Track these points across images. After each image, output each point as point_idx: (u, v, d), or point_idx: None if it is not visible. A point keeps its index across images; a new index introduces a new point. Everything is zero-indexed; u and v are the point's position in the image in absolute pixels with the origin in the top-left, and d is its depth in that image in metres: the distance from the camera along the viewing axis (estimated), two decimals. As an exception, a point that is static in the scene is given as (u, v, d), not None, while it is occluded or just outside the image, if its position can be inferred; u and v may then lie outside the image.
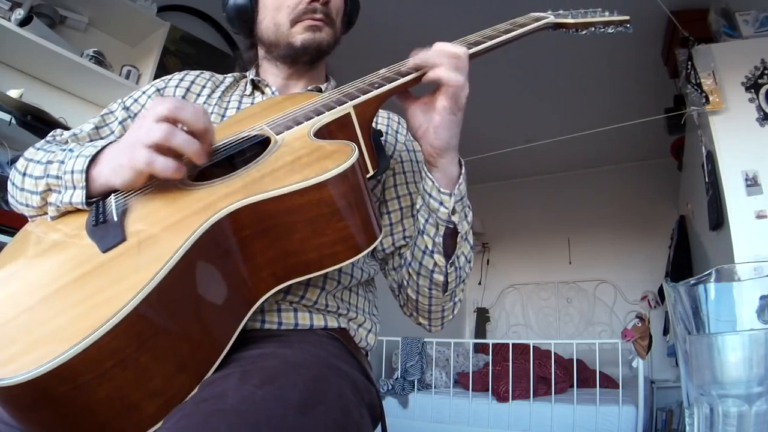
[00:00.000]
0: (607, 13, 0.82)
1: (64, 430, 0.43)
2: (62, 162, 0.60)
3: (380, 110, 0.67)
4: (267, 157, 0.56)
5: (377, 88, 0.62)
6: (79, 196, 0.57)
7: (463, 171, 0.66)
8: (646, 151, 4.15)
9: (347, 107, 0.61)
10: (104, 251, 0.48)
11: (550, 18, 0.79)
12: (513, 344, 3.20)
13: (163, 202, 0.54)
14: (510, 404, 2.82)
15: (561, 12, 0.81)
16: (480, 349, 4.11)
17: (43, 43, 1.78)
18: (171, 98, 0.54)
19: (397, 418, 3.05)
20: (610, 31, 0.82)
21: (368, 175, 0.60)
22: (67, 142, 0.73)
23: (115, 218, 0.52)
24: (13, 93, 1.73)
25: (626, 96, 3.38)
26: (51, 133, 0.74)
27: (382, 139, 0.67)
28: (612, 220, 4.39)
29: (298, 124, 0.61)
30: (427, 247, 0.68)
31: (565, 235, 4.57)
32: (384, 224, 0.78)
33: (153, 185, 0.57)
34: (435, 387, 3.27)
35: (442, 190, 0.64)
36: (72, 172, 0.58)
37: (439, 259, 0.68)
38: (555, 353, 3.01)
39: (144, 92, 0.81)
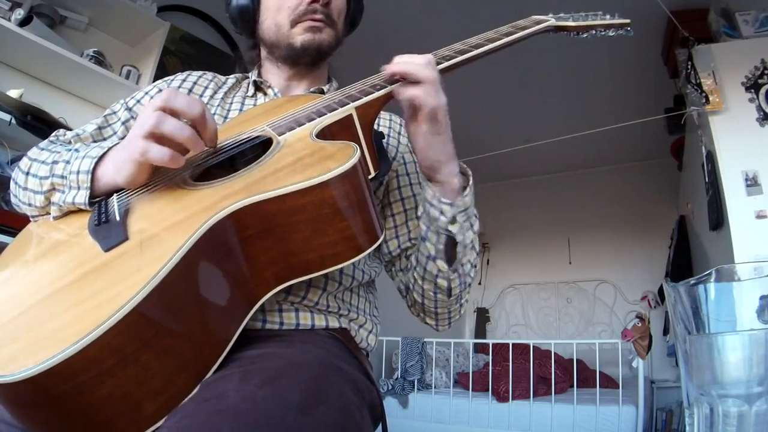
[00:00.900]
0: (608, 17, 0.82)
1: (65, 429, 0.43)
2: (68, 162, 0.60)
3: (382, 112, 0.67)
4: (269, 157, 0.56)
5: (379, 90, 0.63)
6: (82, 197, 0.57)
7: (470, 182, 0.67)
8: (646, 151, 4.16)
9: (349, 109, 0.61)
10: (106, 250, 0.48)
11: (551, 21, 0.79)
12: (513, 344, 3.20)
13: (165, 201, 0.54)
14: (510, 404, 2.82)
15: (562, 15, 0.81)
16: (480, 349, 4.11)
17: (43, 43, 1.78)
18: (166, 90, 0.54)
19: (397, 418, 3.05)
20: (611, 34, 0.83)
21: (370, 177, 0.60)
22: (70, 142, 0.73)
23: (118, 218, 0.52)
24: (13, 93, 1.73)
25: (626, 96, 3.38)
26: (54, 134, 0.75)
27: (384, 141, 0.67)
28: (612, 220, 4.39)
29: (300, 125, 0.61)
30: (429, 253, 0.68)
31: (565, 235, 4.57)
32: (389, 226, 0.78)
33: (155, 184, 0.57)
34: (435, 387, 3.27)
35: (442, 199, 0.64)
36: (78, 172, 0.58)
37: (442, 265, 0.68)
38: (555, 353, 3.01)
39: (146, 93, 0.82)
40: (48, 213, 0.63)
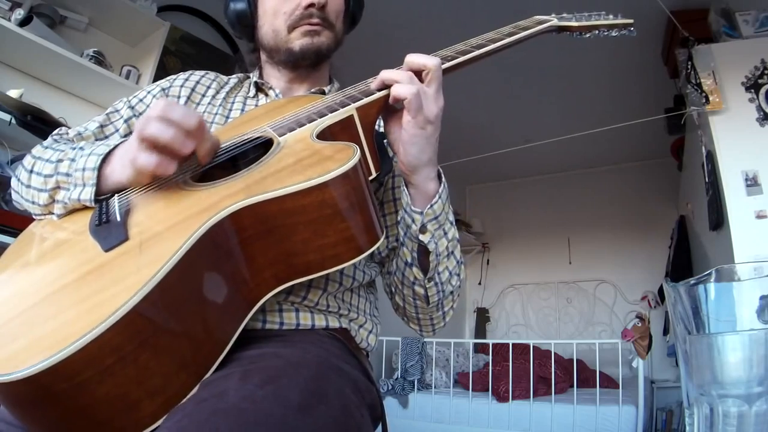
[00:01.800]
0: (611, 17, 0.82)
1: (65, 428, 0.43)
2: (73, 160, 0.60)
3: None
4: (269, 158, 0.56)
5: (380, 90, 0.62)
6: (88, 193, 0.58)
7: (440, 189, 0.64)
8: (646, 151, 4.16)
9: (350, 109, 0.61)
10: (106, 251, 0.48)
11: (554, 21, 0.79)
12: (513, 344, 3.19)
13: (165, 202, 0.54)
14: (510, 404, 2.82)
15: (564, 15, 0.81)
16: (480, 349, 4.11)
17: (43, 43, 1.78)
18: (164, 100, 0.54)
19: (397, 418, 3.05)
20: (614, 34, 0.83)
21: (371, 177, 0.60)
22: (73, 140, 0.73)
23: (118, 218, 0.53)
24: (13, 93, 1.73)
25: (626, 96, 3.38)
26: (56, 131, 0.75)
27: (385, 141, 0.67)
28: (612, 220, 4.39)
29: (301, 126, 0.61)
30: (406, 259, 0.68)
31: (565, 235, 4.57)
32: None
33: (157, 185, 0.57)
34: (435, 387, 3.27)
35: (413, 208, 0.63)
36: (84, 169, 0.58)
37: (418, 272, 0.68)
38: (555, 353, 3.01)
39: (149, 92, 0.82)
40: (50, 212, 0.63)
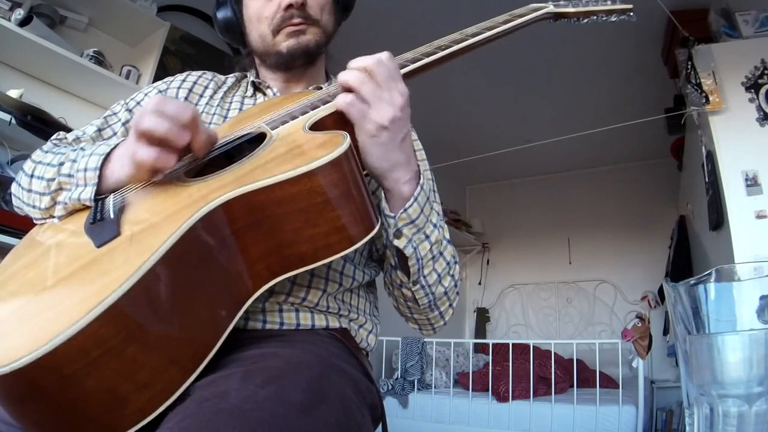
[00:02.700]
0: (608, 2, 0.81)
1: (55, 423, 0.43)
2: (75, 161, 0.61)
3: None
4: (261, 151, 0.56)
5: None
6: (88, 193, 0.58)
7: (416, 191, 0.60)
8: (646, 151, 4.16)
9: None
10: (98, 246, 0.49)
11: (550, 7, 0.78)
12: (513, 344, 3.19)
13: (159, 198, 0.54)
14: (510, 404, 2.82)
15: (561, 2, 0.80)
16: (480, 349, 4.11)
17: (43, 43, 1.78)
18: (157, 96, 0.54)
19: (397, 418, 3.05)
20: (613, 19, 0.81)
21: (365, 172, 0.60)
22: (72, 144, 0.74)
23: (112, 215, 0.53)
24: (13, 93, 1.73)
25: (626, 96, 3.38)
26: (55, 136, 0.75)
27: None
28: (612, 220, 4.39)
29: (294, 119, 0.61)
30: (391, 263, 0.67)
31: (565, 235, 4.57)
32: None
33: (151, 182, 0.57)
34: (435, 387, 3.27)
35: (387, 212, 0.61)
36: (85, 169, 0.59)
37: (402, 276, 0.66)
38: (555, 353, 3.01)
39: (146, 94, 0.82)
40: (51, 216, 0.63)
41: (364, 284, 0.75)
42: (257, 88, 0.84)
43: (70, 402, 0.41)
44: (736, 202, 2.08)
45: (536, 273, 4.64)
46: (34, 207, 0.64)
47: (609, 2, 0.81)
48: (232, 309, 0.51)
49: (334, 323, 0.68)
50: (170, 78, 0.85)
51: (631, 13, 0.81)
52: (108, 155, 0.59)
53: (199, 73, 0.86)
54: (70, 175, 0.60)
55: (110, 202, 0.57)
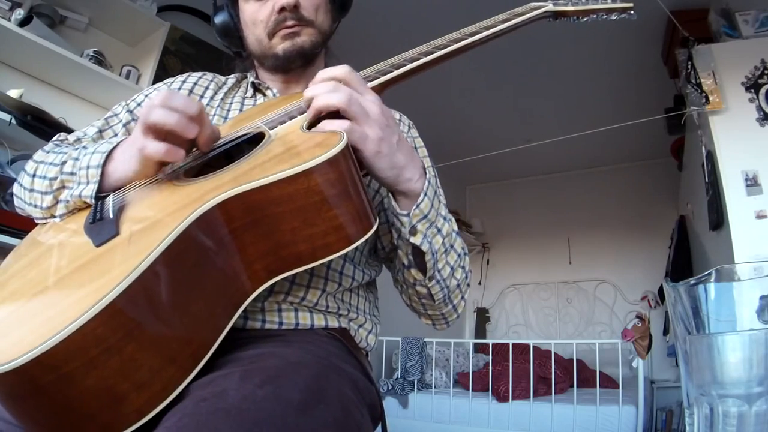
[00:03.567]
0: (609, 0, 0.81)
1: (53, 421, 0.43)
2: (77, 159, 0.61)
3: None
4: (259, 151, 0.56)
5: (371, 81, 0.62)
6: (89, 190, 0.58)
7: (425, 186, 0.61)
8: (646, 151, 4.16)
9: None
10: (97, 246, 0.49)
11: (549, 6, 0.78)
12: (513, 344, 3.19)
13: (158, 197, 0.55)
14: (510, 404, 2.82)
15: (560, 0, 0.80)
16: (480, 349, 4.11)
17: (43, 43, 1.78)
18: (164, 90, 0.55)
19: (397, 418, 3.05)
20: (613, 17, 0.81)
21: (364, 172, 0.59)
22: (73, 145, 0.74)
23: (111, 215, 0.53)
24: (13, 93, 1.73)
25: (626, 96, 3.38)
26: (57, 137, 0.76)
27: None
28: (612, 220, 4.40)
29: (292, 119, 0.61)
30: (403, 262, 0.67)
31: (565, 235, 4.58)
32: (383, 221, 0.77)
33: (150, 182, 0.58)
34: (435, 387, 3.27)
35: (399, 211, 0.61)
36: (88, 167, 0.59)
37: (417, 274, 0.67)
38: (555, 353, 3.01)
39: (147, 95, 0.82)
40: (52, 216, 0.63)
41: (364, 284, 0.75)
42: (257, 89, 0.85)
43: (68, 400, 0.41)
44: (736, 202, 2.08)
45: (536, 273, 4.64)
46: (35, 206, 0.65)
47: (609, 1, 0.81)
48: (231, 308, 0.51)
49: (333, 323, 0.68)
50: (170, 79, 0.85)
51: (632, 12, 0.81)
52: (110, 153, 0.60)
53: (200, 74, 0.86)
54: (72, 173, 0.60)
55: (110, 201, 0.57)
